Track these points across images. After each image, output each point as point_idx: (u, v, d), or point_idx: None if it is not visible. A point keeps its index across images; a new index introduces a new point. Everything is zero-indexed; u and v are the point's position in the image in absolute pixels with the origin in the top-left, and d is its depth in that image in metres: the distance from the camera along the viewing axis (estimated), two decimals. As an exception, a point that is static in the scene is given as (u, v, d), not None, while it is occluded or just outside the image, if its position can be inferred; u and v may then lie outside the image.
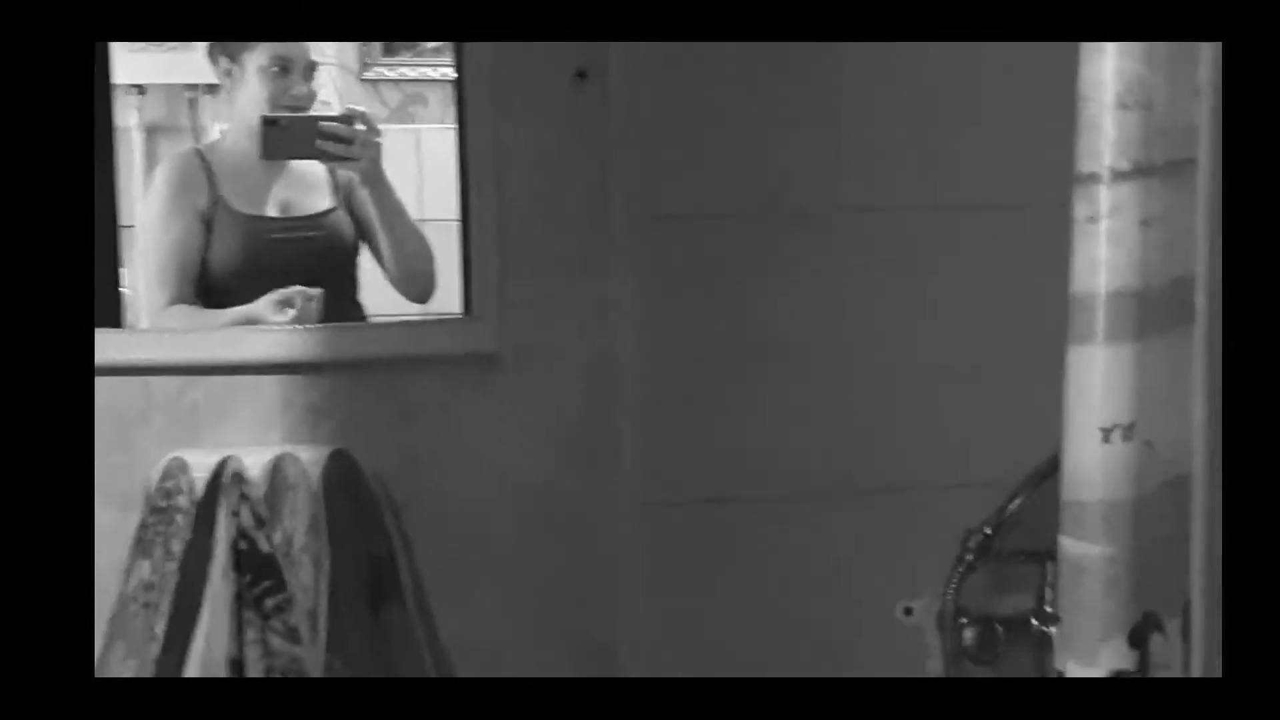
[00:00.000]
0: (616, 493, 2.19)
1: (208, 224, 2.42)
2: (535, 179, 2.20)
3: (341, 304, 2.53)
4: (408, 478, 2.06)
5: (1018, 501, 1.98)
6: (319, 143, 2.35)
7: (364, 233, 2.53)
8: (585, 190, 2.21)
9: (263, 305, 2.28)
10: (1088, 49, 1.04)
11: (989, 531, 2.01)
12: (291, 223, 2.45)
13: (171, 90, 3.58)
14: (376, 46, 3.75)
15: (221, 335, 2.13)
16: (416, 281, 2.54)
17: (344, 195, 2.53)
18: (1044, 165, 1.66)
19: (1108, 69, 1.01)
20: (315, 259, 2.50)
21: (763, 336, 2.17)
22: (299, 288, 2.29)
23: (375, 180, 2.43)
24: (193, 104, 3.62)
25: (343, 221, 2.52)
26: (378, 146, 2.41)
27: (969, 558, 2.01)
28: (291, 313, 2.25)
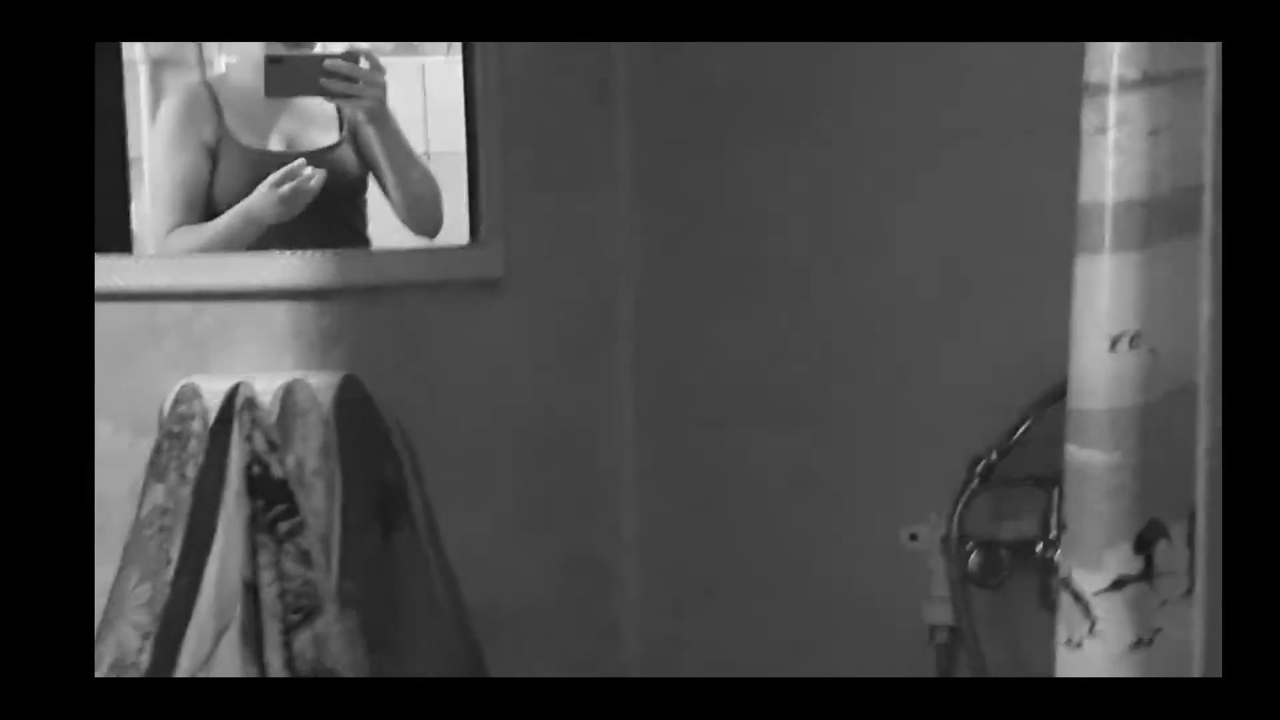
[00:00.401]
0: (617, 413, 2.22)
1: (213, 156, 2.43)
2: (538, 107, 2.21)
3: (347, 239, 2.55)
4: (415, 402, 2.08)
5: (1024, 426, 1.99)
6: (323, 81, 2.35)
7: (371, 169, 2.54)
8: (588, 116, 2.22)
9: (260, 190, 2.30)
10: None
11: (994, 456, 2.02)
12: (295, 157, 2.46)
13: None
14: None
15: (231, 260, 2.14)
16: (424, 217, 2.56)
17: (350, 130, 2.54)
18: (1046, 80, 1.67)
19: (1117, -20, 1.02)
20: (324, 189, 2.52)
21: (763, 258, 2.18)
22: (299, 161, 2.31)
23: (381, 118, 2.44)
24: (198, 37, 3.63)
25: (347, 157, 2.53)
26: (383, 85, 2.41)
27: (974, 483, 2.02)
28: (290, 186, 2.26)
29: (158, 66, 3.65)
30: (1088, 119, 1.04)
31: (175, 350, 2.03)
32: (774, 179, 2.15)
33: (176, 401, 1.98)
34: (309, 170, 2.32)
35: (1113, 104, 1.03)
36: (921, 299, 2.08)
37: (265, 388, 1.99)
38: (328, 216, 2.53)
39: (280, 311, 2.08)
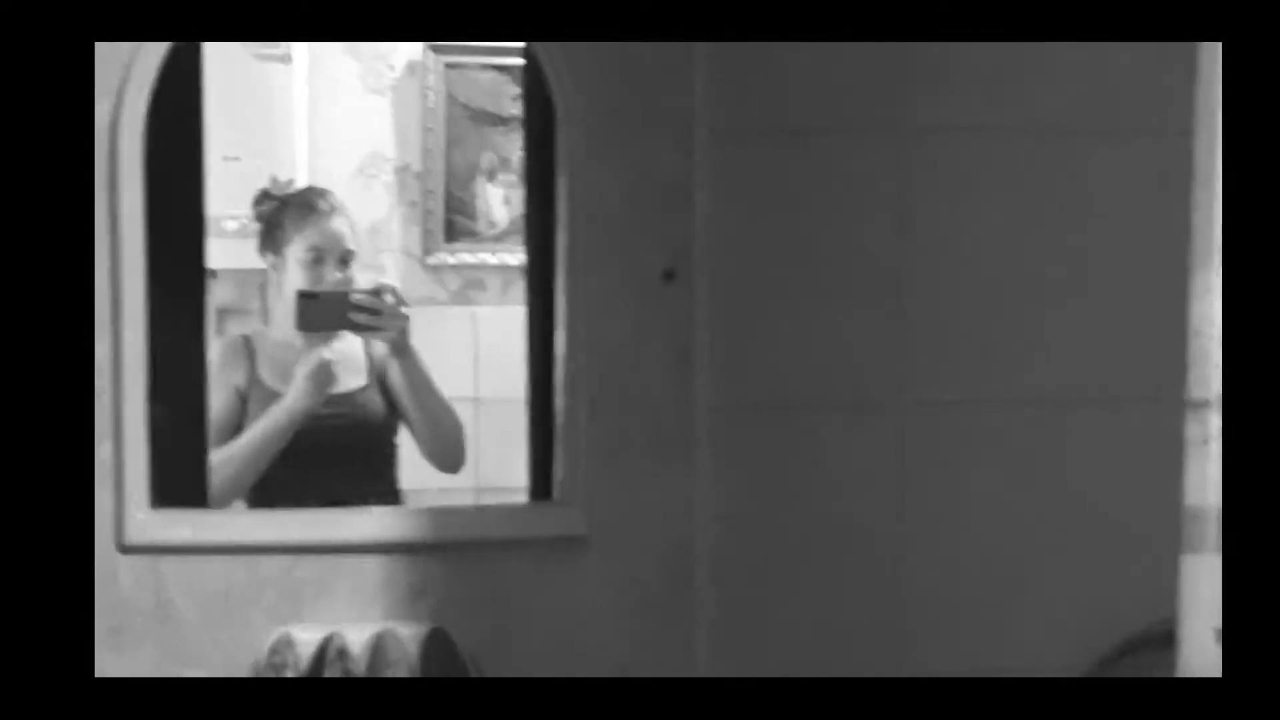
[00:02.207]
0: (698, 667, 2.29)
1: (244, 400, 2.54)
2: (616, 365, 2.32)
3: (376, 482, 2.64)
4: (499, 656, 2.16)
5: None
6: (350, 314, 2.47)
7: (395, 407, 2.65)
8: (663, 376, 2.33)
9: (298, 384, 2.40)
10: (1195, 288, 1.17)
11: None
12: (334, 397, 2.57)
13: (242, 274, 3.74)
14: (439, 234, 3.92)
15: (325, 516, 2.24)
16: (448, 453, 2.65)
17: (377, 374, 2.65)
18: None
19: (1217, 308, 1.15)
20: (347, 435, 2.61)
21: (839, 528, 2.28)
22: (323, 357, 2.43)
23: (404, 352, 2.57)
24: (263, 288, 3.78)
25: (374, 399, 2.64)
26: (405, 318, 2.53)
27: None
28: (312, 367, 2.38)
29: (222, 315, 3.80)
30: (1191, 430, 1.15)
31: (273, 601, 2.11)
32: (847, 448, 2.27)
33: (271, 651, 2.06)
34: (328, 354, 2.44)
35: (1214, 419, 1.14)
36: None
37: (356, 638, 2.07)
38: (358, 464, 2.63)
39: (372, 564, 2.16)
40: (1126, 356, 2.22)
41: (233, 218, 3.63)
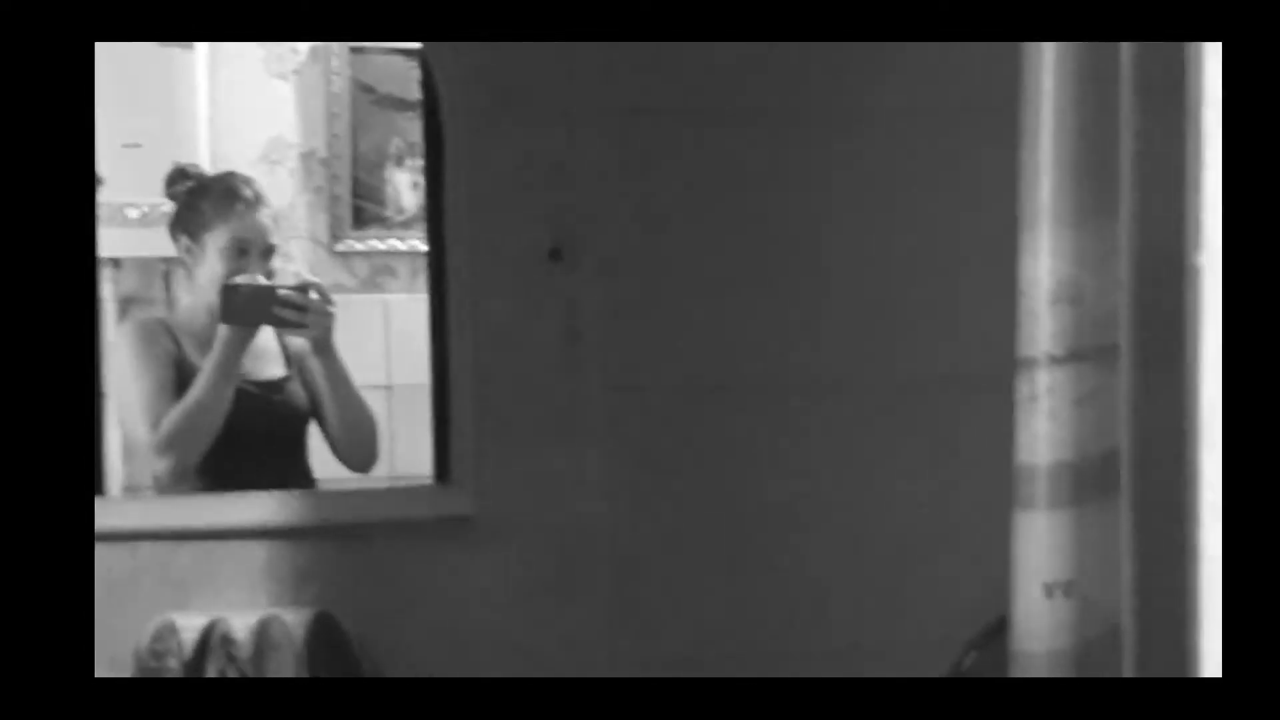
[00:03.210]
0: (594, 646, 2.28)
1: (177, 378, 2.50)
2: (502, 346, 2.31)
3: (292, 471, 2.61)
4: (388, 637, 2.15)
5: (971, 657, 2.06)
6: (275, 310, 2.43)
7: (313, 402, 2.61)
8: (555, 359, 2.32)
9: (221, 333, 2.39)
10: (1023, 249, 1.17)
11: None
12: (253, 385, 2.54)
13: (145, 263, 3.70)
14: (347, 220, 3.89)
15: (208, 502, 2.22)
16: (361, 451, 2.62)
17: (297, 366, 2.62)
18: None
19: (1043, 268, 1.15)
20: (275, 422, 2.58)
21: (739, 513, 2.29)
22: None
23: (325, 349, 2.52)
24: (167, 277, 3.74)
25: (298, 391, 2.61)
26: (331, 316, 2.49)
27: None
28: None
29: (125, 305, 3.76)
30: (1021, 388, 1.16)
31: (153, 588, 2.09)
32: (739, 429, 2.27)
33: (154, 638, 2.04)
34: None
35: (1042, 376, 1.15)
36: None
37: (241, 624, 2.05)
38: (279, 454, 2.60)
39: (256, 550, 2.15)
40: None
41: (134, 206, 3.60)
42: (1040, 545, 1.14)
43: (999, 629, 1.95)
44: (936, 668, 2.07)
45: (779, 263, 2.26)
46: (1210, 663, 0.86)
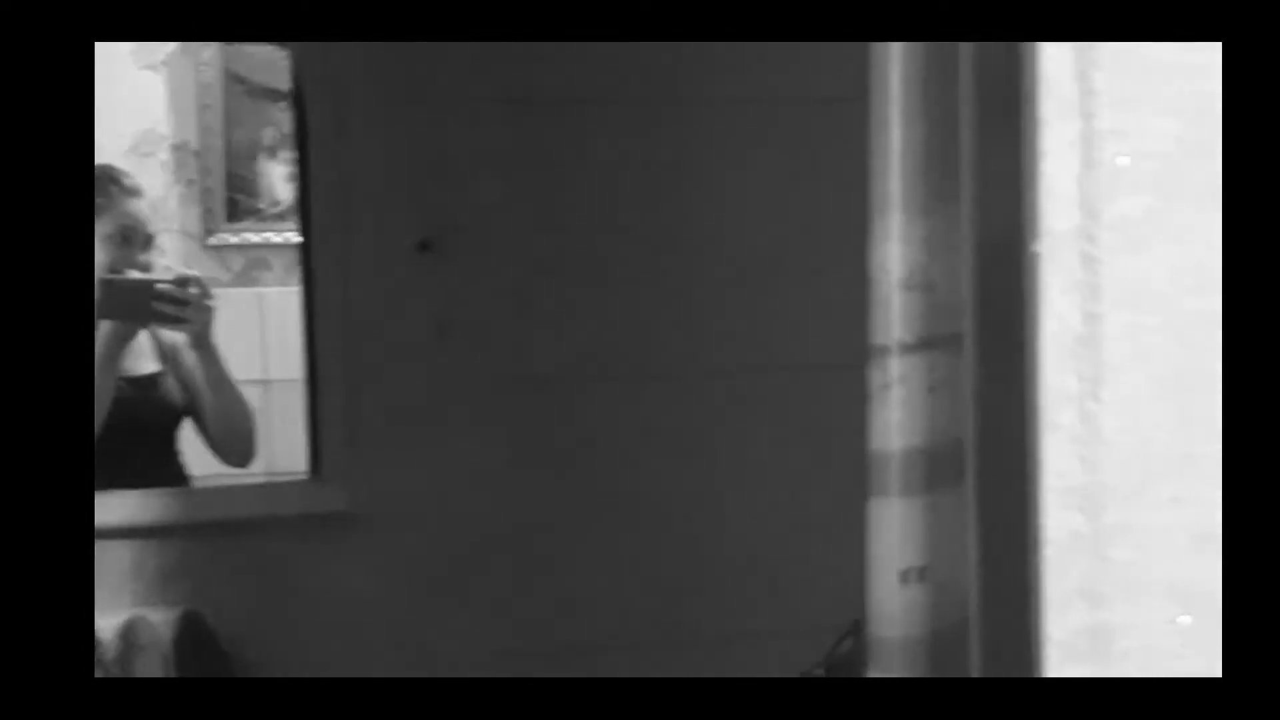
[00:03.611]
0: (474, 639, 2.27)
1: None
2: (379, 341, 2.29)
3: (164, 470, 2.57)
4: (261, 636, 2.12)
5: (848, 643, 2.07)
6: (154, 304, 2.39)
7: (190, 398, 2.57)
8: (425, 352, 2.30)
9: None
10: (874, 237, 1.17)
11: (821, 673, 2.10)
12: (125, 381, 2.50)
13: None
14: (220, 213, 3.83)
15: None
16: (238, 448, 2.58)
17: (171, 361, 2.58)
18: None
19: (893, 255, 1.15)
20: (148, 419, 2.54)
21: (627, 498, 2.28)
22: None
23: (204, 344, 2.48)
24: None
25: (171, 388, 2.57)
26: (211, 310, 2.45)
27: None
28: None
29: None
30: (874, 376, 1.16)
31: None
32: (620, 417, 2.27)
33: (17, 641, 2.00)
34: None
35: (894, 364, 1.15)
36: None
37: (106, 624, 2.02)
38: (152, 451, 2.56)
39: (121, 549, 2.11)
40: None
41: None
42: (894, 532, 1.15)
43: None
44: (810, 655, 2.09)
45: (643, 251, 2.26)
46: (1053, 649, 0.87)
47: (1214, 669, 0.86)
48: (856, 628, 2.07)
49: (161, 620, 2.04)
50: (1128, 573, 0.87)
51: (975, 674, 1.01)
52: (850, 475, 1.44)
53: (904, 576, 1.15)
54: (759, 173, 2.29)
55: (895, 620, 1.16)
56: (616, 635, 2.30)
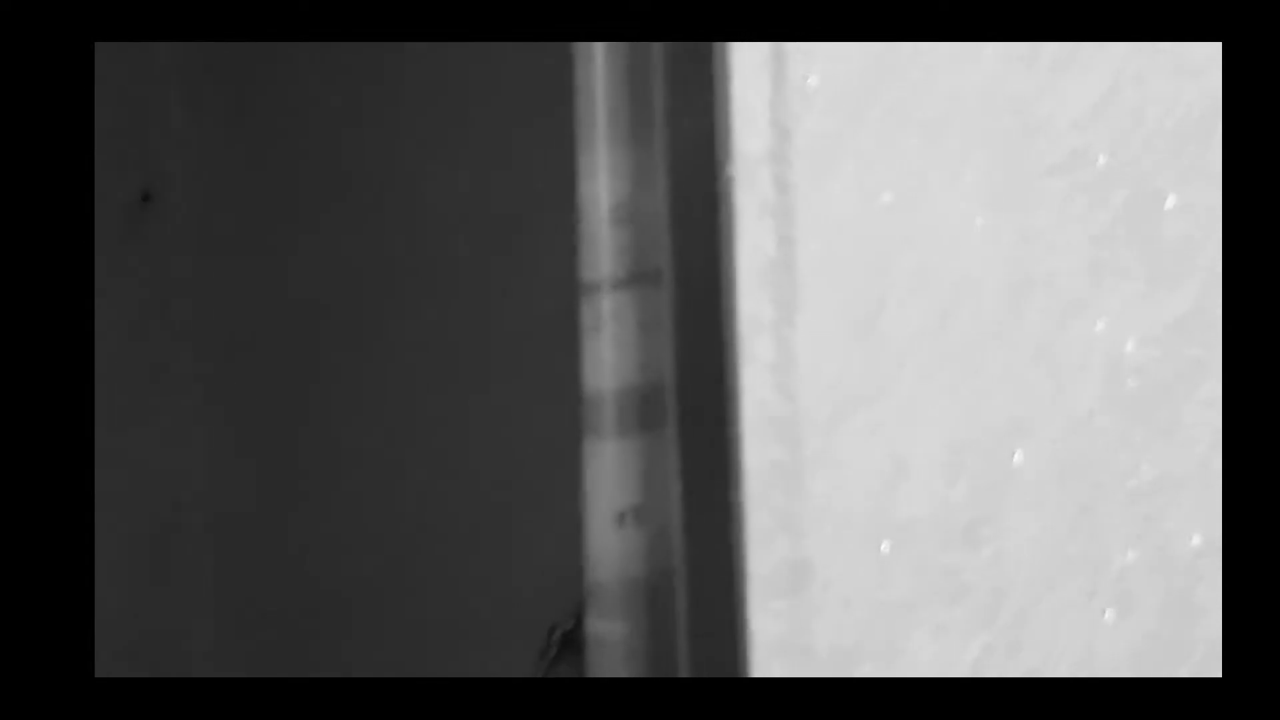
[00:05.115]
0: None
1: None
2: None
3: None
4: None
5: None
6: None
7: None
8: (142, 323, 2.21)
9: None
10: (581, 172, 1.14)
11: (571, 624, 2.08)
12: None
13: None
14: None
15: None
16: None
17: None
18: None
19: (600, 187, 1.12)
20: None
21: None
22: None
23: None
24: None
25: None
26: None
27: (552, 652, 2.07)
28: None
29: None
30: (585, 315, 1.13)
31: None
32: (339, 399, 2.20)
33: None
34: None
35: (606, 301, 1.12)
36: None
37: None
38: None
39: None
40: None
41: None
42: (609, 473, 1.12)
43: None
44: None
45: (360, 208, 2.19)
46: (755, 585, 0.85)
47: (915, 597, 0.85)
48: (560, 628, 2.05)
49: None
50: (828, 503, 0.85)
51: (681, 617, 0.99)
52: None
53: (619, 519, 1.13)
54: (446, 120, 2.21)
55: (612, 564, 1.14)
56: (349, 622, 2.23)
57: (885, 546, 0.85)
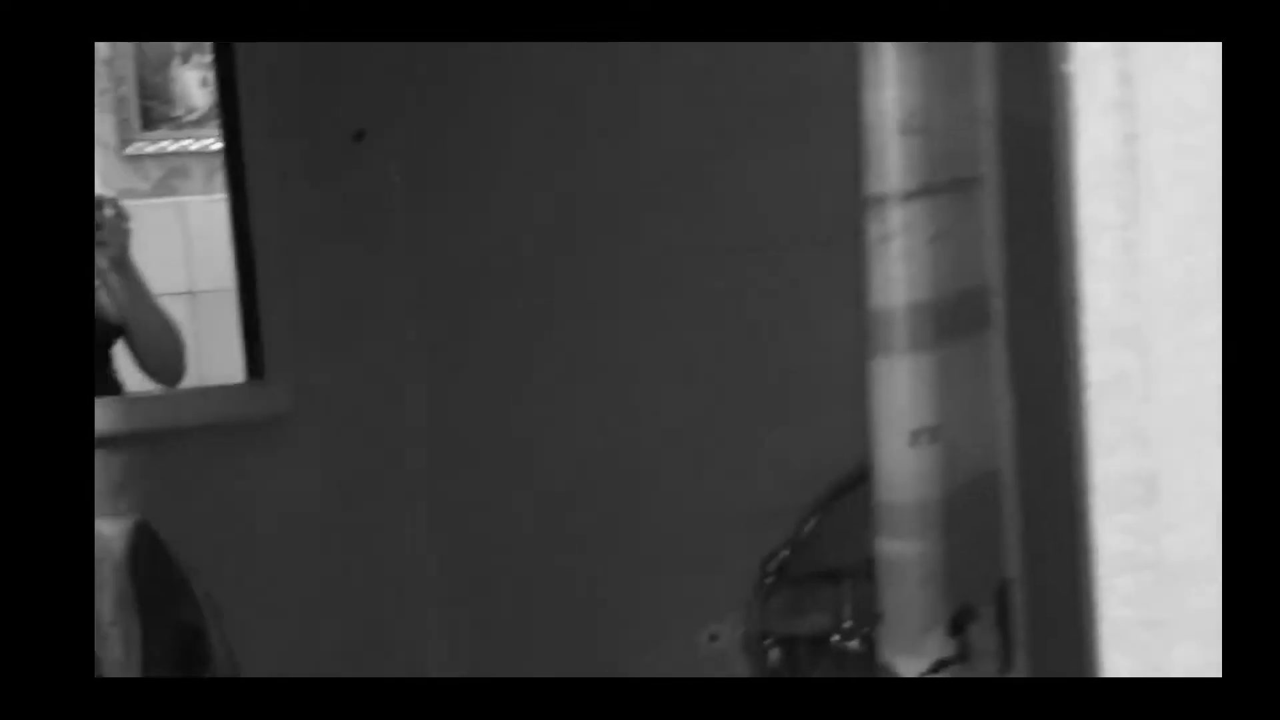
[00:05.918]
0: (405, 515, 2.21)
1: None
2: (317, 244, 2.22)
3: (101, 384, 2.51)
4: (205, 543, 2.06)
5: (811, 523, 2.04)
6: None
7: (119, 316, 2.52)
8: (364, 249, 2.23)
9: None
10: (866, 81, 1.11)
11: (787, 554, 2.06)
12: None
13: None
14: (135, 122, 3.71)
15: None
16: (168, 366, 2.54)
17: (101, 279, 2.52)
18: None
19: (888, 98, 1.09)
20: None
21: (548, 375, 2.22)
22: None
23: (123, 267, 2.43)
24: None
25: (104, 303, 2.51)
26: (127, 233, 2.40)
27: (769, 580, 2.06)
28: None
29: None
30: (872, 229, 1.10)
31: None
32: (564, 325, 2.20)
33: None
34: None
35: (895, 214, 1.09)
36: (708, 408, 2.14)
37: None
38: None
39: (63, 463, 2.03)
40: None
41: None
42: (902, 391, 1.09)
43: (845, 488, 1.93)
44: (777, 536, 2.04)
45: (604, 139, 2.17)
46: (1100, 499, 0.81)
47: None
48: (826, 502, 2.03)
49: (112, 532, 1.96)
50: (1176, 411, 0.82)
51: (1007, 529, 0.96)
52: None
53: (914, 438, 1.10)
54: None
55: (906, 485, 1.11)
56: (556, 536, 2.24)
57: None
